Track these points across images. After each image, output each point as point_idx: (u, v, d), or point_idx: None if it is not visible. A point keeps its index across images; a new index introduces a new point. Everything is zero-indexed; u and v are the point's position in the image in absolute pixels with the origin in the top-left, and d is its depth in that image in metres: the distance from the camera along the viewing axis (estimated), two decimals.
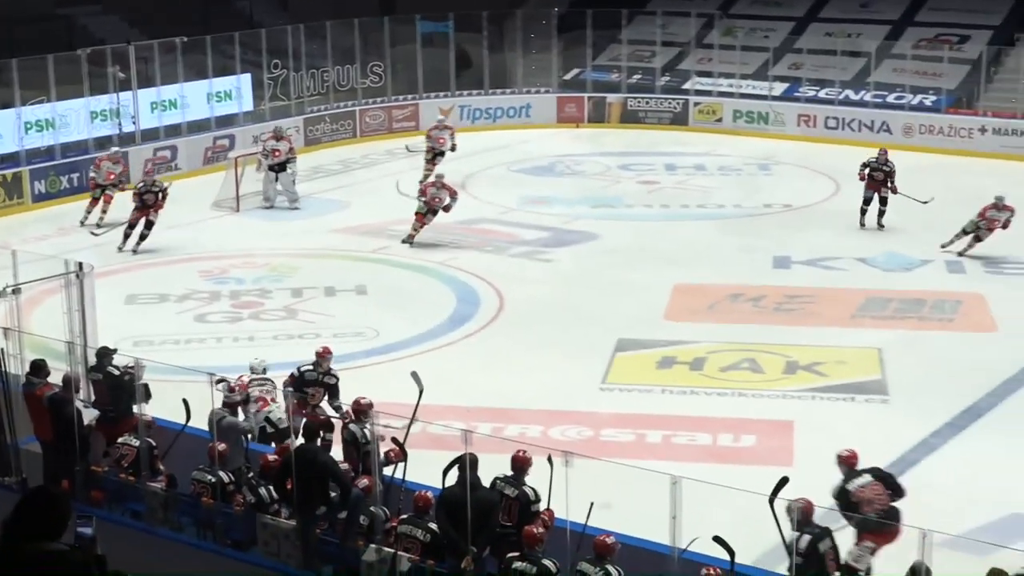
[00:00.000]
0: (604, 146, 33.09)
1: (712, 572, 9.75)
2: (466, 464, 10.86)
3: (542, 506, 10.94)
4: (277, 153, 26.38)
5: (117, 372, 13.59)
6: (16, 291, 14.24)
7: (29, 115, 27.58)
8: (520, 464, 11.19)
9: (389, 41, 35.47)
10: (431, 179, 24.40)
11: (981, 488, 13.71)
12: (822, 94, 34.65)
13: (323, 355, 14.41)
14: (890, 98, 33.80)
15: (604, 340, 18.37)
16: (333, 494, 11.36)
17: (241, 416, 13.44)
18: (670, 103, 35.82)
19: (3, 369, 12.86)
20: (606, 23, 37.78)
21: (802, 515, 10.34)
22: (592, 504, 10.70)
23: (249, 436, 13.35)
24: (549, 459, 10.91)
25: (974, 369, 17.26)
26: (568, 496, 10.71)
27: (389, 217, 25.43)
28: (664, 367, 17.66)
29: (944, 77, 33.99)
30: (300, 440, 11.56)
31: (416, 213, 23.49)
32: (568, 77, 37.64)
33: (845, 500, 11.56)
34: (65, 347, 14.06)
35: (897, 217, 25.40)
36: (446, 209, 23.37)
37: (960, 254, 22.61)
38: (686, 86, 36.37)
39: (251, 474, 11.86)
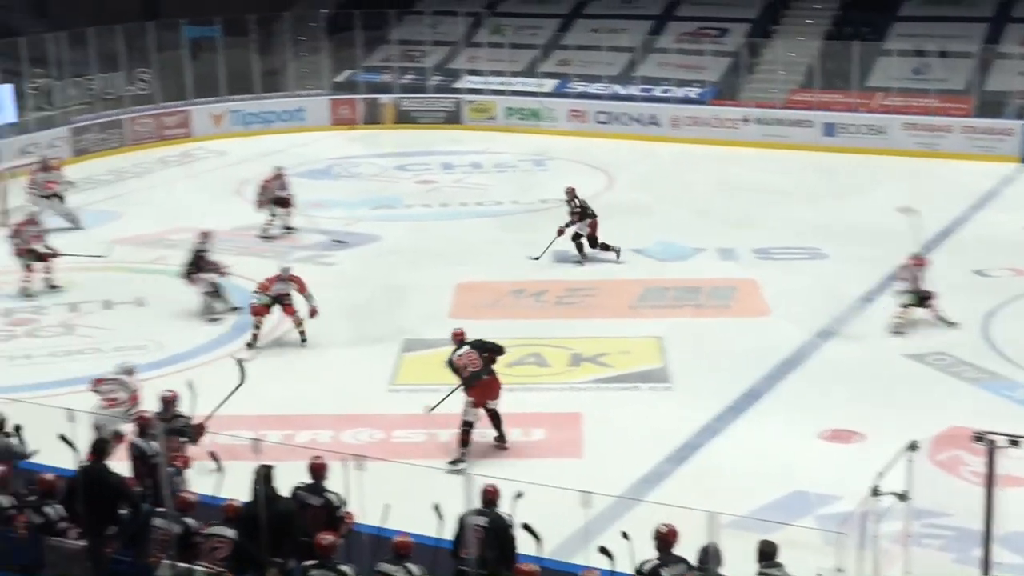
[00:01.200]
0: (380, 147, 33.07)
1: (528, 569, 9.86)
2: (261, 478, 10.77)
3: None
4: (51, 185, 25.40)
5: None
6: None
7: None
8: (317, 471, 11.17)
9: (155, 47, 34.78)
10: (276, 272, 18.73)
11: (764, 468, 14.11)
12: (591, 89, 35.26)
13: (171, 400, 13.41)
14: (656, 91, 34.57)
15: (390, 342, 18.36)
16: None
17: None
18: (443, 102, 35.99)
19: None
20: (375, 24, 37.81)
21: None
22: (387, 506, 10.75)
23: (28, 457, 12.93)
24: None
25: (751, 353, 17.75)
26: (363, 499, 10.74)
27: (165, 226, 24.94)
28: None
29: (707, 70, 34.95)
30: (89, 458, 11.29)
31: (257, 306, 18.51)
32: (340, 79, 37.51)
33: (452, 367, 14.97)
34: None
35: (670, 207, 26.10)
36: (312, 314, 18.59)
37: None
38: (458, 85, 36.59)
39: (32, 496, 11.50)
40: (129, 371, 14.72)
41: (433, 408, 15.25)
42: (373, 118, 36.13)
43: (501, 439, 15.01)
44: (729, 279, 21.34)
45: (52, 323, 19.77)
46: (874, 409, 15.62)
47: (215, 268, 20.07)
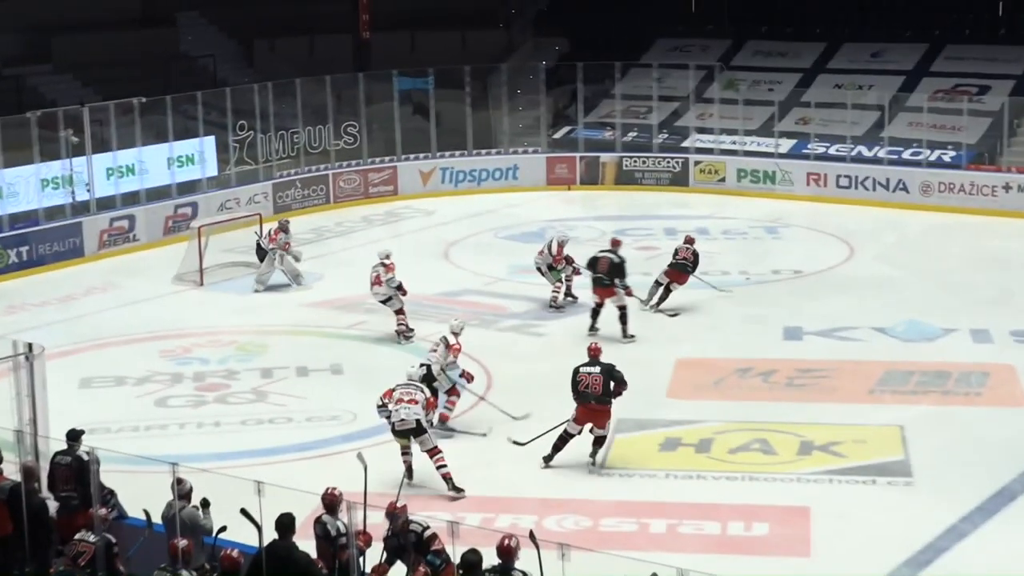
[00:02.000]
0: (598, 210, 33.17)
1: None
2: (468, 565, 10.86)
3: None
4: (288, 245, 26.25)
5: (87, 457, 13.52)
6: None
7: None
8: (505, 553, 11.23)
9: (364, 99, 35.65)
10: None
11: None
12: (832, 151, 34.81)
13: (399, 512, 12.70)
14: (906, 154, 33.97)
15: None
16: None
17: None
18: (669, 162, 35.97)
19: None
20: (598, 77, 38.03)
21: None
22: None
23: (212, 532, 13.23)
24: (531, 536, 11.23)
25: (1005, 447, 17.23)
26: None
27: (366, 290, 25.37)
28: (668, 449, 17.61)
29: (963, 131, 34.09)
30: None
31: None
32: (558, 136, 37.84)
33: (575, 378, 16.67)
34: (13, 436, 13.99)
35: (918, 282, 25.57)
36: (467, 379, 18.85)
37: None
38: (686, 144, 36.54)
39: (215, 573, 11.75)
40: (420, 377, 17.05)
41: (524, 444, 17.22)
42: (592, 178, 36.32)
43: (594, 461, 16.82)
44: (982, 364, 20.74)
45: (244, 389, 20.31)
46: None
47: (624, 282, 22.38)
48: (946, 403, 19.20)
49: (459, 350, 18.50)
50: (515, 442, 17.22)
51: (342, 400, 19.48)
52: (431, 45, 39.90)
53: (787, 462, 17.13)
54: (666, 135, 37.16)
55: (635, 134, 37.36)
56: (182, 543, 11.80)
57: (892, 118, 35.09)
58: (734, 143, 35.96)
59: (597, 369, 16.66)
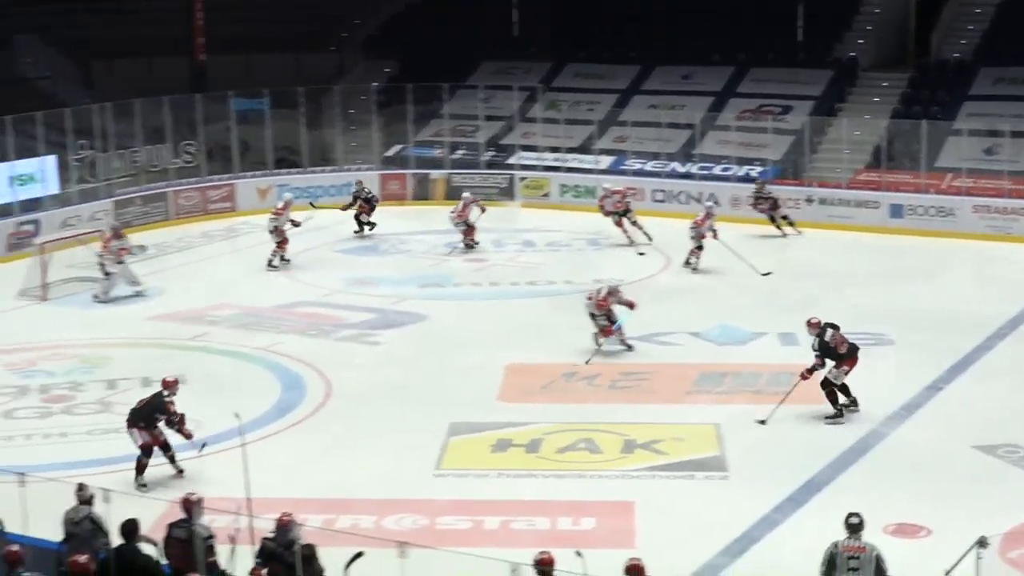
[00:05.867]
0: (430, 224, 33.17)
1: None
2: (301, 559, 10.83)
3: None
4: (124, 252, 25.99)
5: None
6: None
7: None
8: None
9: (202, 119, 35.27)
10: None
11: None
12: (649, 167, 35.35)
13: (286, 524, 12.21)
14: (716, 170, 34.62)
15: (437, 425, 18.36)
16: None
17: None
18: (495, 178, 36.20)
19: None
20: (427, 98, 38.14)
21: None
22: None
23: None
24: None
25: (812, 442, 17.65)
26: None
27: (206, 303, 25.18)
28: (499, 450, 17.71)
29: (769, 148, 34.93)
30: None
31: None
32: (390, 154, 37.82)
33: (824, 347, 18.59)
34: None
35: (730, 290, 26.05)
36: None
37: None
38: (511, 161, 36.80)
39: None
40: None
41: (764, 421, 18.42)
42: (423, 194, 36.40)
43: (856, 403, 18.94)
44: (790, 365, 21.10)
45: (89, 400, 19.94)
46: (942, 502, 15.47)
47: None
48: (758, 401, 19.49)
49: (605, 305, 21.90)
50: (760, 421, 18.44)
51: (185, 408, 19.11)
52: (265, 68, 39.65)
53: (611, 460, 17.33)
54: (493, 153, 37.40)
55: (463, 152, 37.55)
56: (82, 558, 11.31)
57: (703, 136, 35.77)
58: (557, 160, 36.35)
59: (832, 331, 18.77)
